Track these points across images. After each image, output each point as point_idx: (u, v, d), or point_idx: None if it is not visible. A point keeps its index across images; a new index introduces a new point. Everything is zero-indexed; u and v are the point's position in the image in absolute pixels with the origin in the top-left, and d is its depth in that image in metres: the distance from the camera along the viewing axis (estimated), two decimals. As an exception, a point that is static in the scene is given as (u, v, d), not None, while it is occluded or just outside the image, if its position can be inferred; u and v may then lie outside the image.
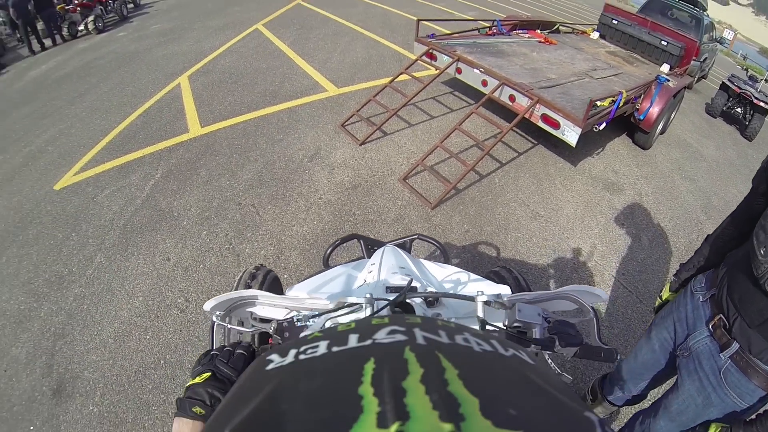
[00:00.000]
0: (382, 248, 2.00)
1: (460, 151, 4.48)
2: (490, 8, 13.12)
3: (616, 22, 7.61)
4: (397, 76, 5.12)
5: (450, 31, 5.98)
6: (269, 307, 1.50)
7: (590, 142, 4.92)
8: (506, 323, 1.15)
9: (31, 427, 2.90)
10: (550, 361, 1.26)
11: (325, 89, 6.01)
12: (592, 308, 1.33)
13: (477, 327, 1.02)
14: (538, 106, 4.19)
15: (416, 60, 5.34)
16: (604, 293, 1.30)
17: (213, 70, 7.41)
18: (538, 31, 7.09)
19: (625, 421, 2.12)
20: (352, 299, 1.23)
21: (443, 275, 1.87)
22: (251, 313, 1.52)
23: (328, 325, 1.12)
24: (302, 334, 1.07)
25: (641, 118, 5.10)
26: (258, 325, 1.47)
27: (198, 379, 0.97)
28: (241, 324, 1.47)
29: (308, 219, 3.87)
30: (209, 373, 0.98)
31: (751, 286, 1.37)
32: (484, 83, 4.67)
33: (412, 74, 5.08)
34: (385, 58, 7.26)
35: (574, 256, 3.59)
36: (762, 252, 1.30)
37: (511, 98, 4.41)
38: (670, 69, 6.36)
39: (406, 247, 2.43)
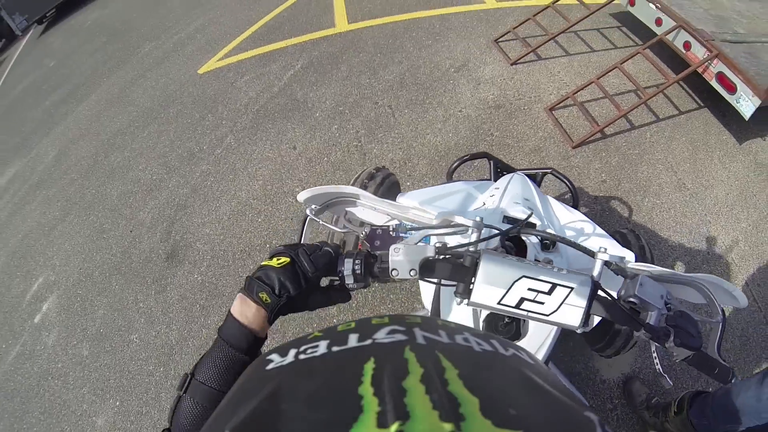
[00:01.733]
0: (511, 174, 1.94)
1: (616, 93, 4.12)
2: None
3: None
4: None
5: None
6: (369, 210, 1.42)
7: (765, 121, 4.36)
8: (621, 294, 0.98)
9: (145, 283, 3.33)
10: (655, 356, 1.12)
11: (483, 0, 5.69)
12: (723, 311, 1.15)
13: (587, 295, 0.89)
14: (716, 61, 3.71)
15: None
16: (745, 298, 1.14)
17: (369, -33, 7.29)
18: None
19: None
20: (460, 219, 1.15)
21: (568, 219, 1.76)
22: (348, 213, 1.44)
23: (432, 241, 1.04)
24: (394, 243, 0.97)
25: None
26: (350, 227, 1.41)
27: (275, 262, 0.88)
28: (335, 223, 1.42)
29: (444, 130, 3.80)
30: (288, 260, 0.88)
31: None
32: (659, 22, 4.21)
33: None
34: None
35: (710, 246, 3.27)
36: None
37: (686, 45, 3.95)
38: None
39: (536, 179, 2.34)
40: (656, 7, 4.21)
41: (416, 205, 1.42)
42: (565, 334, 2.30)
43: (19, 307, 3.72)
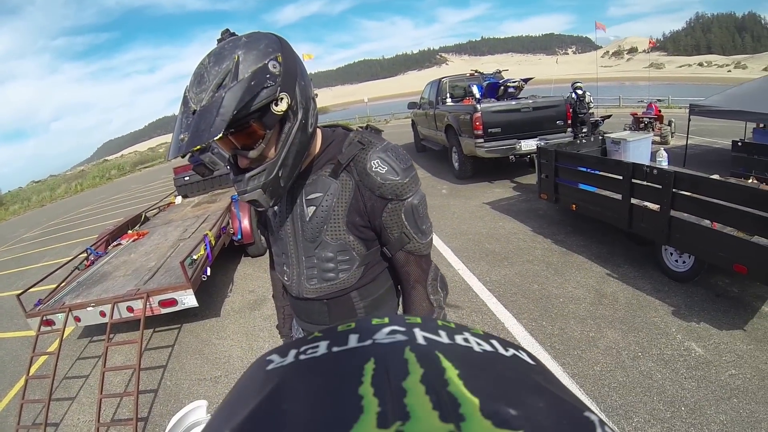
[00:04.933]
0: None
1: (125, 385, 4.62)
2: (92, 233, 12.67)
3: (188, 178, 8.52)
4: (30, 367, 4.91)
5: (55, 285, 5.91)
6: None
7: (212, 290, 5.47)
8: None
9: None
10: None
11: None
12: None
13: None
14: (150, 299, 4.50)
15: (37, 336, 5.13)
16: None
17: None
18: (130, 231, 7.45)
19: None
20: None
21: None
22: None
23: None
24: None
25: (239, 237, 5.84)
26: None
27: None
28: None
29: None
30: None
31: None
32: (102, 314, 4.75)
33: (44, 352, 5.10)
34: (16, 354, 6.70)
35: None
36: None
37: (129, 309, 4.63)
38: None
39: None
40: (92, 306, 4.78)
41: None
42: None
43: None
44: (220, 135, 1.08)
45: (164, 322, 5.29)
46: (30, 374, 4.92)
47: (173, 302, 4.55)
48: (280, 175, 1.28)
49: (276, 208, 1.55)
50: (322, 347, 0.45)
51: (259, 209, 1.49)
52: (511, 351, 0.46)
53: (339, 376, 0.40)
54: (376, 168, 1.36)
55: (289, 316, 1.98)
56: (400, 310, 1.66)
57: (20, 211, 34.08)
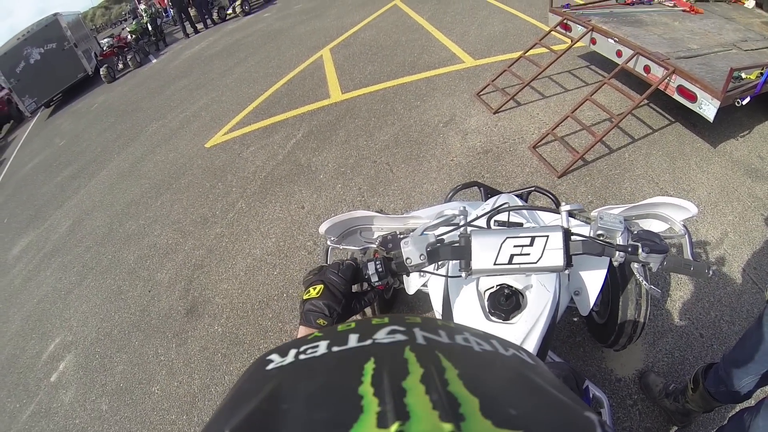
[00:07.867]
0: (499, 194, 2.15)
1: (592, 123, 4.43)
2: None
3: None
4: (531, 47, 5.19)
5: (585, 1, 5.88)
6: (378, 231, 1.74)
7: (735, 122, 4.52)
8: (590, 233, 1.22)
9: (165, 338, 3.49)
10: (640, 276, 1.31)
11: (462, 61, 6.24)
12: (684, 225, 1.38)
13: (561, 238, 1.12)
14: (674, 77, 3.98)
15: (550, 31, 5.32)
16: (694, 206, 1.32)
17: (353, 43, 8.05)
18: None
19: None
20: (448, 210, 1.39)
21: (551, 219, 1.93)
22: (362, 231, 1.74)
23: (427, 234, 1.20)
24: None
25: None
26: (366, 243, 1.71)
27: (313, 293, 1.04)
28: (353, 243, 1.71)
29: (439, 178, 4.14)
30: (321, 286, 1.05)
31: None
32: (619, 54, 4.54)
33: (547, 46, 5.08)
34: (522, 32, 7.17)
35: (701, 242, 3.34)
36: None
37: (646, 69, 4.24)
38: None
39: (522, 197, 2.50)
40: (615, 41, 4.56)
41: (415, 214, 1.78)
42: (574, 332, 2.53)
43: (34, 367, 3.83)
44: None
45: (664, 106, 4.74)
46: (525, 55, 5.15)
47: (692, 97, 3.91)
48: None
49: None
50: (322, 347, 0.46)
51: None
52: (511, 351, 0.48)
53: (339, 376, 0.41)
54: None
55: None
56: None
57: None
